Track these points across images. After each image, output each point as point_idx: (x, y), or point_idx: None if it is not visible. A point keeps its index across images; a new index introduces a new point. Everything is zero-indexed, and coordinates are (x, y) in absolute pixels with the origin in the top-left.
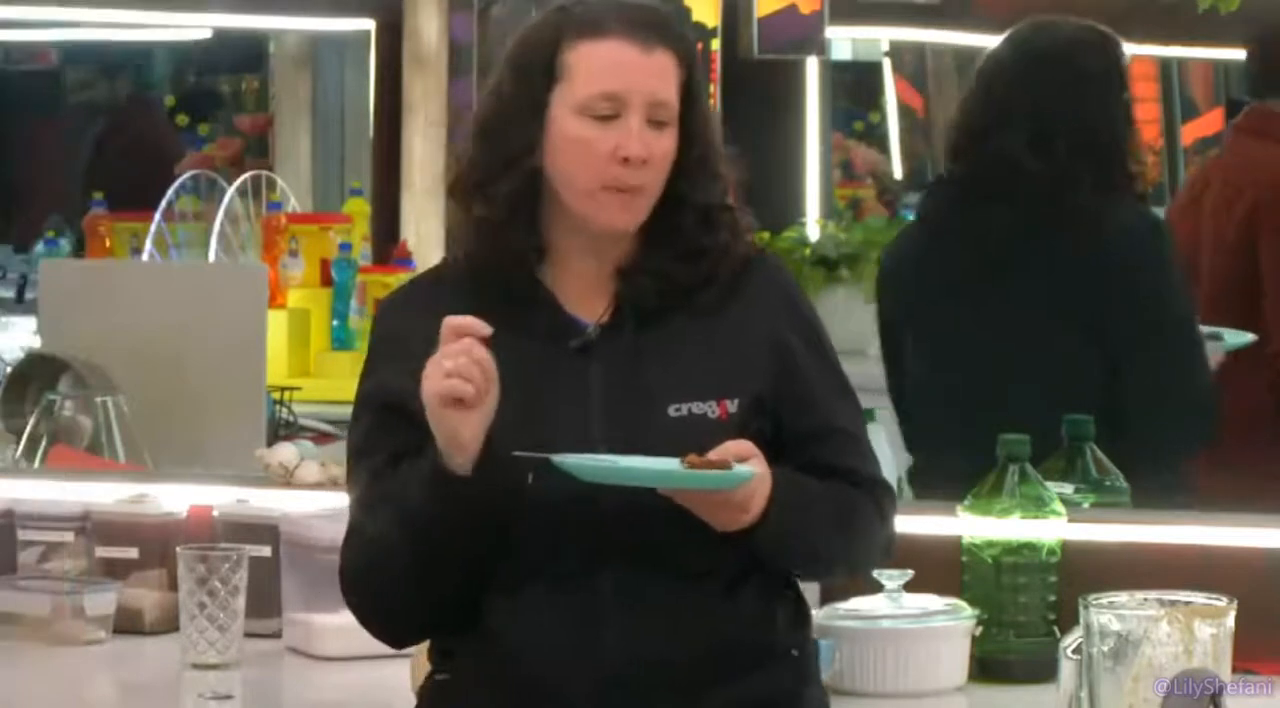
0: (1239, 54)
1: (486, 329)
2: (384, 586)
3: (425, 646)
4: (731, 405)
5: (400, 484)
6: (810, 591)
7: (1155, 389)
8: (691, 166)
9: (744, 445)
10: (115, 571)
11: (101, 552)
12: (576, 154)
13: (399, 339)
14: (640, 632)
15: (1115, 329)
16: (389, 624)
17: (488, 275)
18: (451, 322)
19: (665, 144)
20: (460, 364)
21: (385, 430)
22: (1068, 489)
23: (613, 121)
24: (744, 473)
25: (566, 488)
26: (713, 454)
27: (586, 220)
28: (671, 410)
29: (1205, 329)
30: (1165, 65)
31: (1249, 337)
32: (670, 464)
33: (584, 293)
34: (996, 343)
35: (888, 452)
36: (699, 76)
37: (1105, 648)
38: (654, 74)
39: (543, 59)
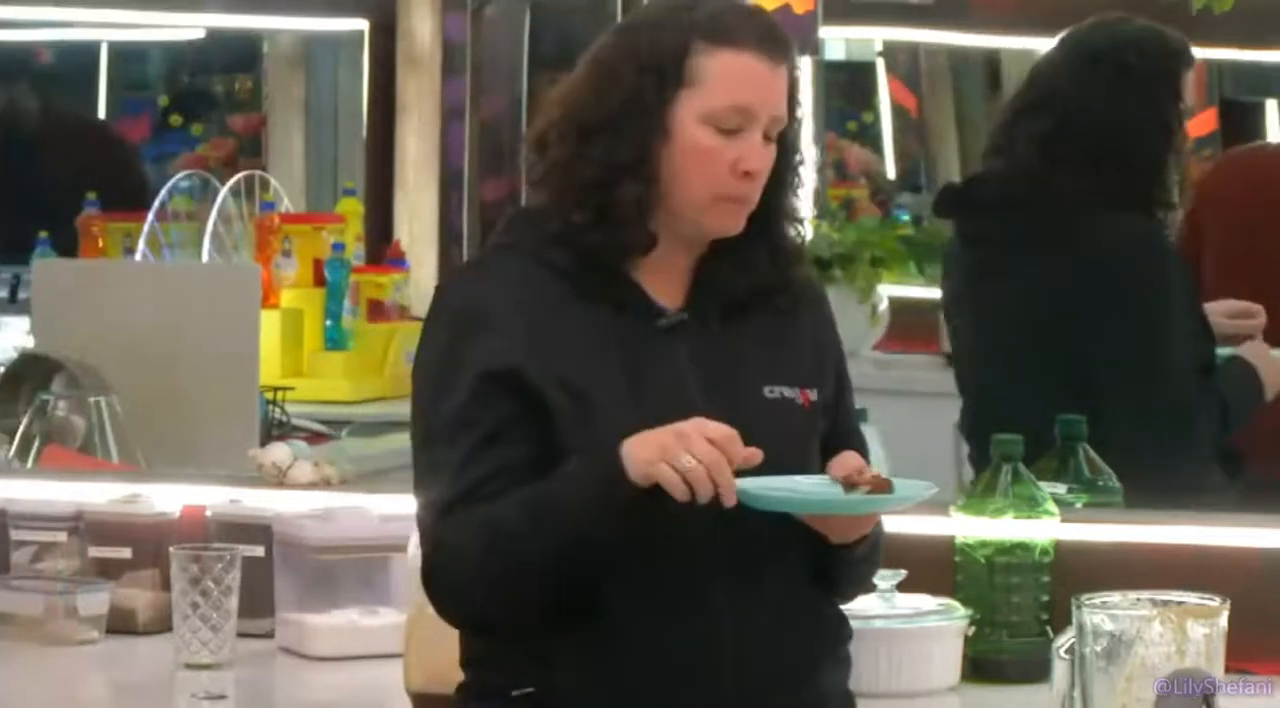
0: (1233, 54)
1: (758, 458)
2: (505, 579)
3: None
4: (813, 394)
5: (565, 495)
6: None
7: (1125, 415)
8: (788, 175)
9: (855, 456)
10: (108, 571)
11: (94, 552)
12: (698, 162)
13: (482, 310)
14: (750, 635)
15: (1097, 347)
16: (492, 613)
17: (584, 262)
18: (726, 436)
19: (773, 156)
20: (695, 475)
21: (485, 402)
22: (1061, 489)
23: (735, 134)
24: (926, 488)
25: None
26: (838, 469)
27: (695, 224)
28: (766, 391)
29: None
30: None
31: None
32: (830, 489)
33: (664, 281)
34: (994, 346)
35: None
36: (799, 87)
37: (1098, 648)
38: (778, 91)
39: (671, 60)
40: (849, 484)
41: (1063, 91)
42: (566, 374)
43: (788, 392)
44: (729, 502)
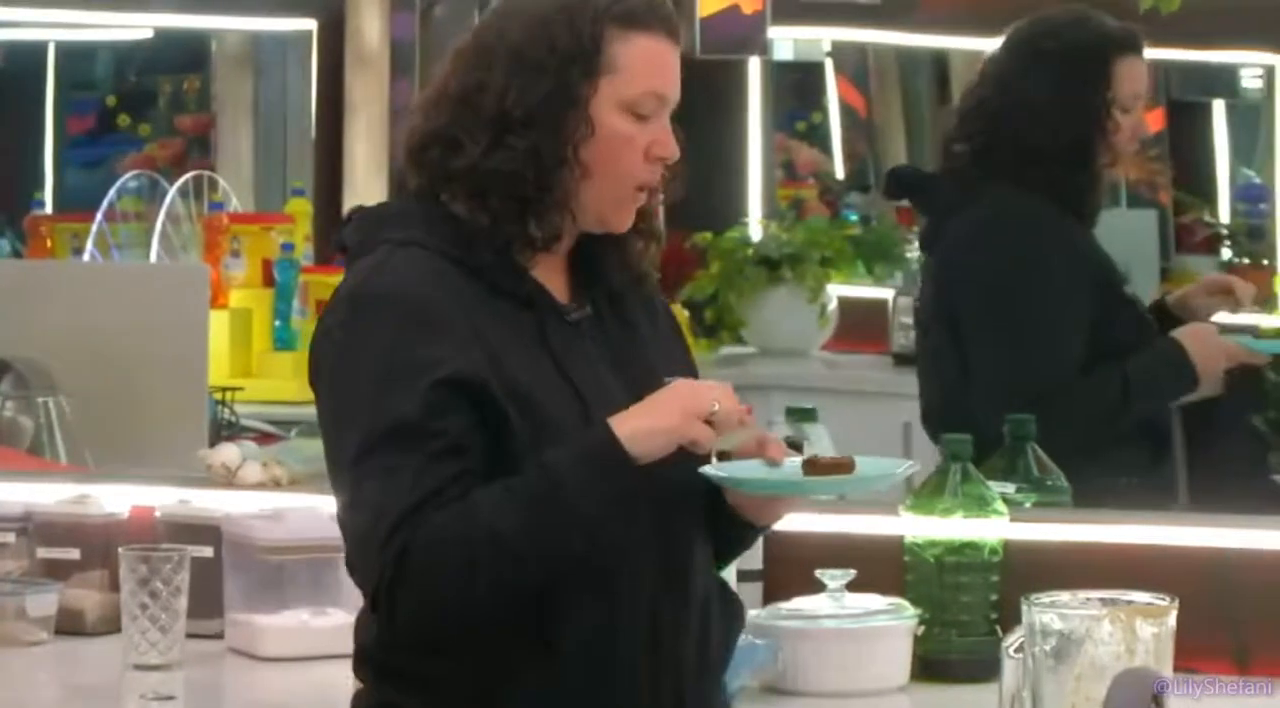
0: (1181, 55)
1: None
2: (491, 590)
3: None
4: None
5: (561, 489)
6: (752, 590)
7: (985, 381)
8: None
9: (772, 437)
10: (57, 571)
11: (43, 553)
12: (617, 152)
13: (421, 308)
14: (688, 617)
15: (965, 328)
16: (462, 624)
17: (494, 259)
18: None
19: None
20: (724, 412)
21: (445, 411)
22: (1009, 489)
23: (647, 120)
24: (908, 466)
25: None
26: (775, 450)
27: (600, 216)
28: (665, 380)
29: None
30: None
31: None
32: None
33: (549, 276)
34: (944, 346)
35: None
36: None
37: (1047, 647)
38: (678, 73)
39: (590, 47)
40: (811, 466)
41: (984, 80)
42: (511, 376)
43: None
44: (748, 417)
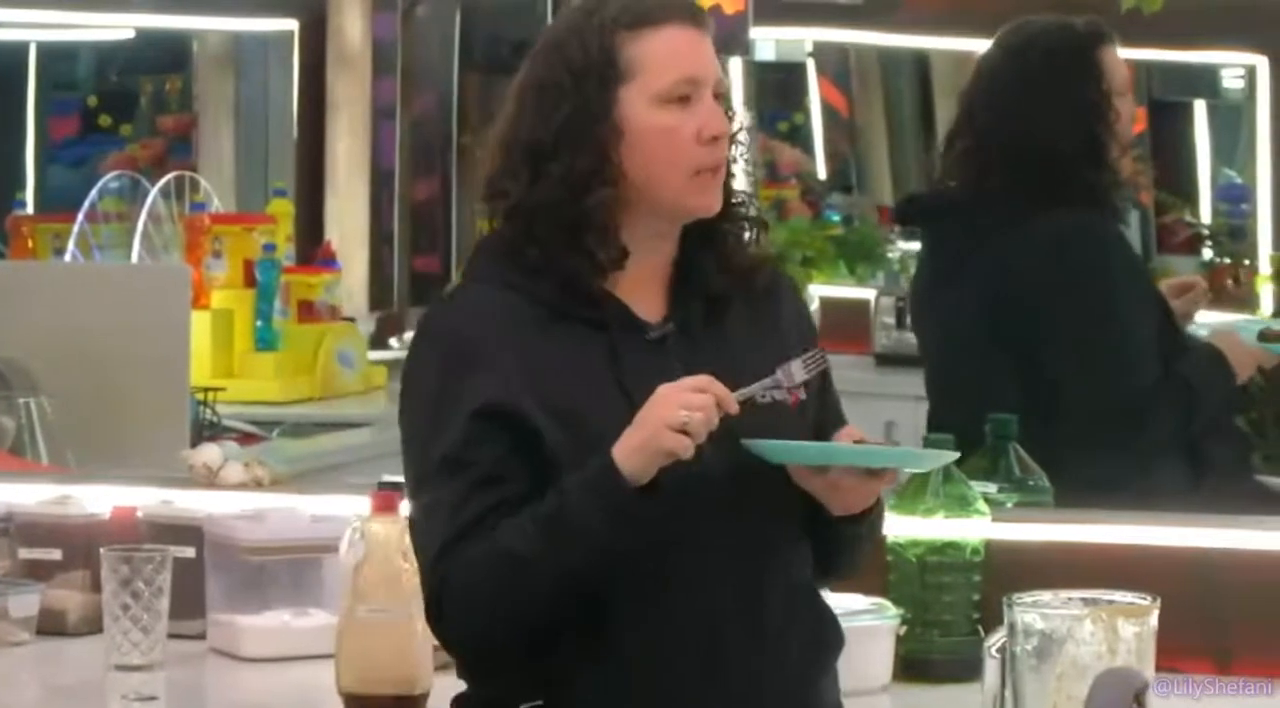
0: (1162, 55)
1: (734, 408)
2: (520, 608)
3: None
4: (801, 394)
5: (568, 508)
6: None
7: (1078, 400)
8: (732, 148)
9: (855, 430)
10: (38, 572)
11: (25, 553)
12: (663, 144)
13: (469, 344)
14: (758, 638)
15: (1039, 342)
16: (508, 640)
17: (562, 286)
18: (704, 383)
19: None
20: (696, 422)
21: (479, 441)
22: (991, 489)
23: (688, 105)
24: (951, 451)
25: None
26: (843, 439)
27: (677, 210)
28: (758, 395)
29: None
30: None
31: None
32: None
33: (640, 294)
34: (953, 351)
35: None
36: (718, 58)
37: (1029, 647)
38: (709, 53)
39: (603, 60)
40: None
41: (985, 88)
42: (561, 402)
43: (778, 394)
44: (733, 408)
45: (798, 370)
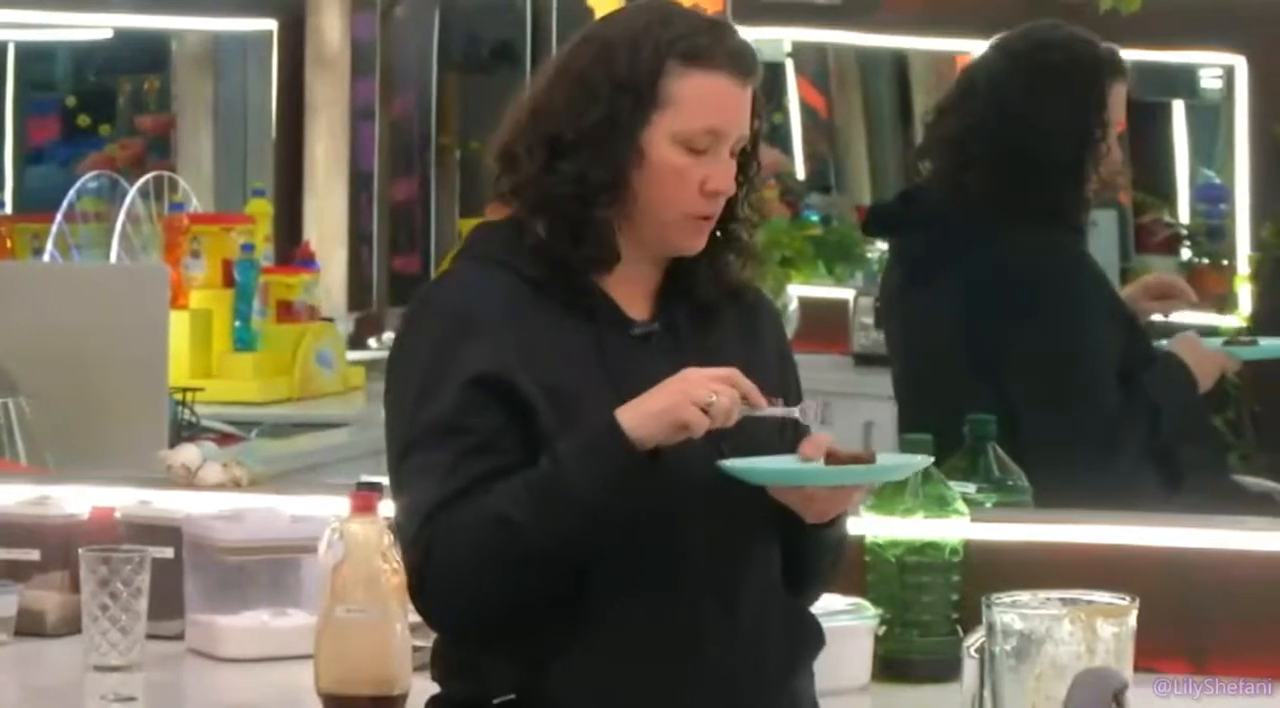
0: (1140, 55)
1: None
2: (507, 578)
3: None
4: (780, 403)
5: (564, 473)
6: None
7: (1046, 434)
8: (746, 184)
9: (825, 437)
10: (17, 573)
11: (3, 554)
12: (668, 182)
13: (470, 315)
14: (733, 641)
15: (1007, 362)
16: (491, 613)
17: (556, 273)
18: (731, 375)
19: (734, 173)
20: (720, 406)
21: (477, 411)
22: (970, 489)
23: (704, 153)
24: (925, 456)
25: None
26: (810, 448)
27: (661, 241)
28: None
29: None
30: None
31: None
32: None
33: (631, 293)
34: (921, 357)
35: None
36: (761, 101)
37: (1008, 647)
38: (745, 111)
39: (647, 81)
40: (832, 458)
41: (981, 91)
42: (555, 382)
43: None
44: (759, 404)
45: (812, 413)
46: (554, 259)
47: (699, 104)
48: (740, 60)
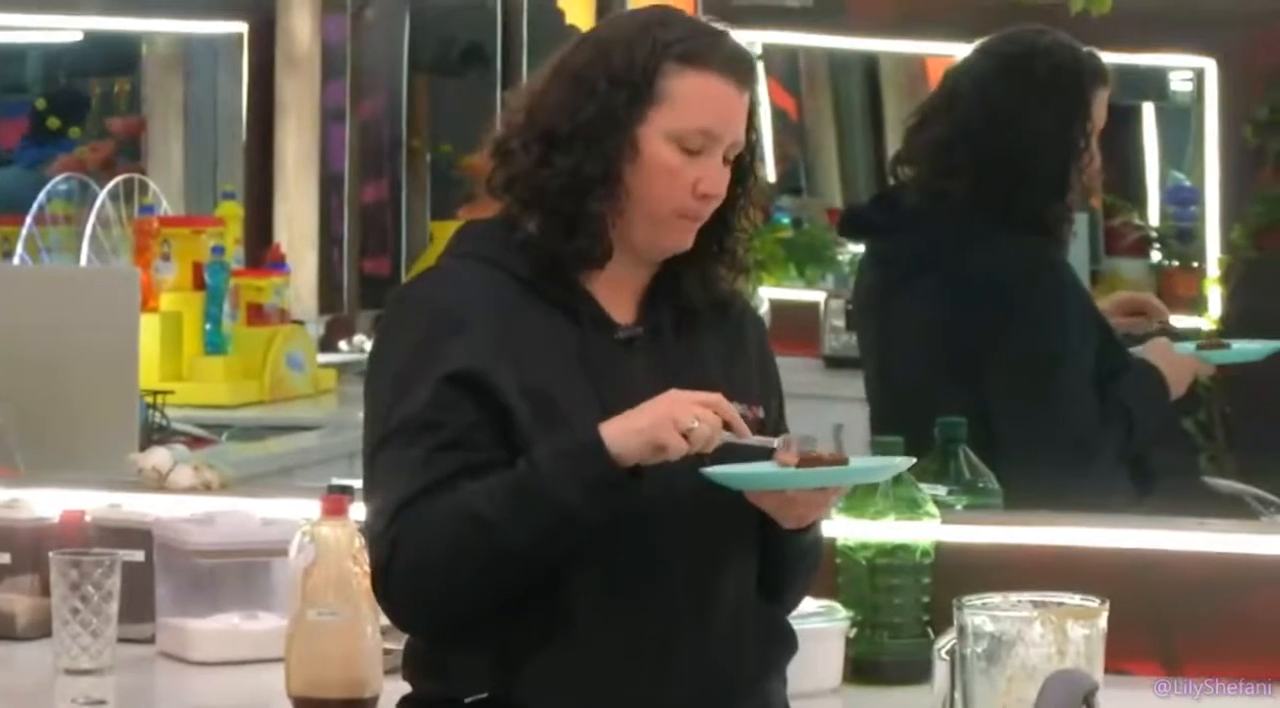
0: (1111, 57)
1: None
2: (473, 577)
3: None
4: (760, 412)
5: (542, 477)
6: None
7: (1022, 443)
8: (743, 196)
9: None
10: None
11: None
12: (659, 180)
13: (450, 313)
14: (707, 643)
15: (985, 368)
16: (452, 611)
17: (543, 270)
18: (716, 401)
19: (727, 178)
20: (701, 433)
21: (452, 407)
22: (941, 491)
23: (697, 154)
24: (904, 458)
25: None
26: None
27: (650, 238)
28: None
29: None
30: None
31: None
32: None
33: (616, 295)
34: (895, 363)
35: None
36: (758, 111)
37: (979, 649)
38: (740, 115)
39: (643, 78)
40: (807, 461)
41: (966, 97)
42: (535, 382)
43: (739, 407)
44: (743, 430)
45: (794, 447)
46: (544, 256)
47: (694, 103)
48: (737, 65)
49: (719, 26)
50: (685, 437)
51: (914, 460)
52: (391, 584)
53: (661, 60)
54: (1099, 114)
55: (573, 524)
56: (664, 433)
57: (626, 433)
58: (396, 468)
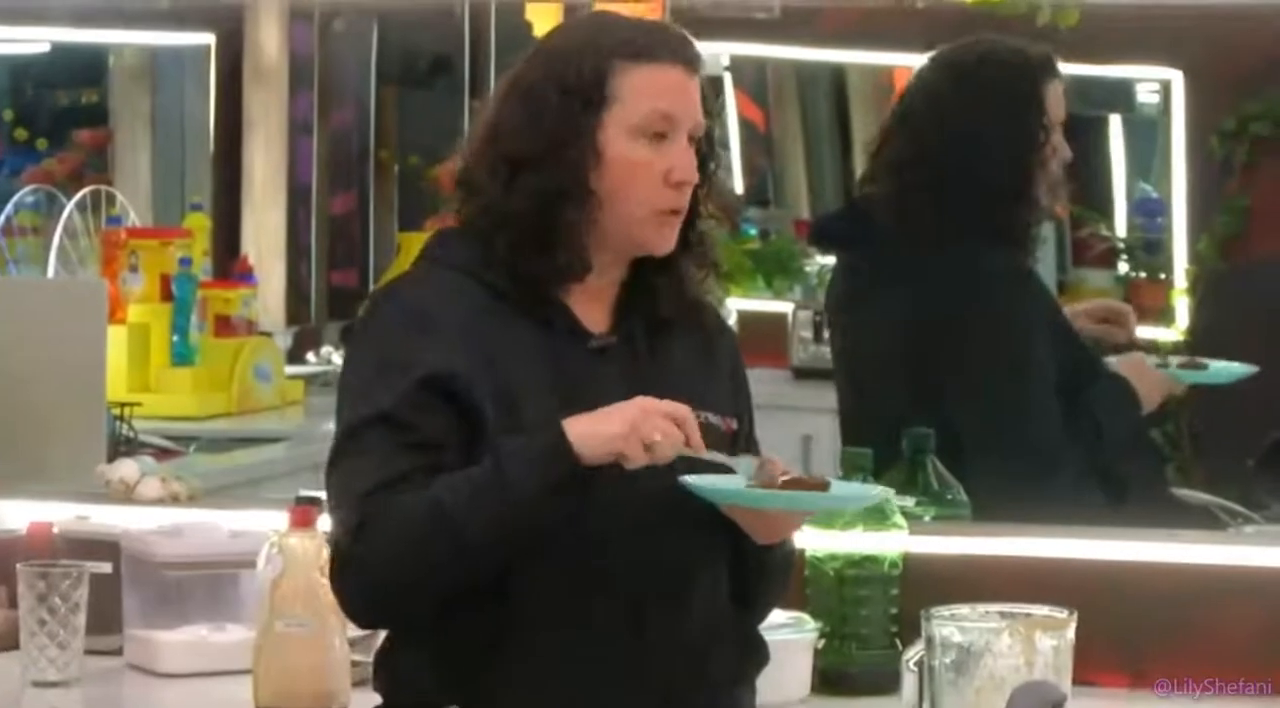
0: (1078, 69)
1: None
2: (429, 566)
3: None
4: (734, 424)
5: (503, 469)
6: None
7: (987, 456)
8: (706, 182)
9: (779, 462)
10: None
11: None
12: (631, 177)
13: (425, 315)
14: (677, 654)
15: (950, 379)
16: (405, 602)
17: (516, 281)
18: (683, 416)
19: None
20: (662, 447)
21: (425, 410)
22: (909, 502)
23: (662, 143)
24: (881, 491)
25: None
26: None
27: (632, 241)
28: (695, 415)
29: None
30: None
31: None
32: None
33: (589, 305)
34: (863, 375)
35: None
36: (710, 99)
37: (947, 660)
38: (695, 97)
39: (594, 83)
40: (790, 484)
41: (919, 113)
42: (508, 390)
43: (712, 417)
44: (698, 448)
45: (754, 471)
46: (519, 269)
47: (645, 92)
48: (682, 50)
49: (659, 21)
50: (647, 450)
51: (892, 492)
52: (348, 574)
53: (608, 63)
54: (1054, 107)
55: (528, 517)
56: (626, 444)
57: (593, 435)
58: (365, 458)
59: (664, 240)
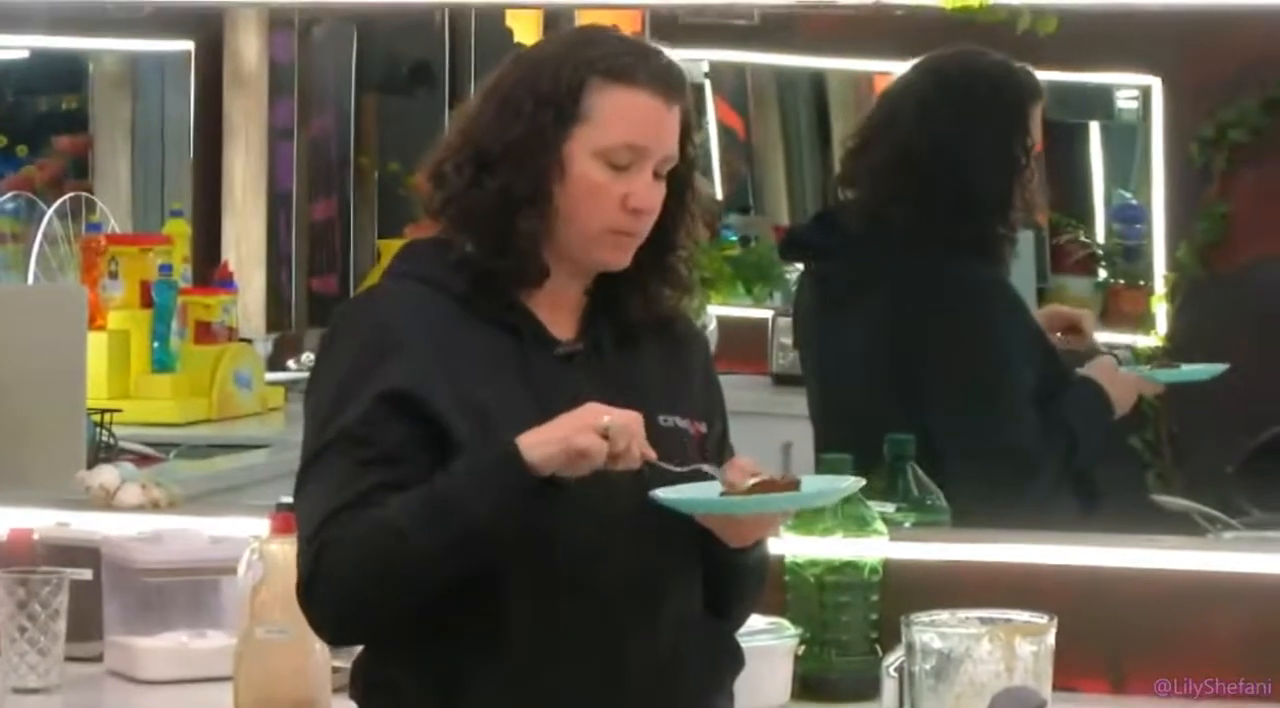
0: (1057, 76)
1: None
2: (388, 586)
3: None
4: (702, 428)
5: (456, 487)
6: None
7: (965, 466)
8: (680, 210)
9: (750, 462)
10: None
11: None
12: (588, 196)
13: (388, 331)
14: (655, 656)
15: (926, 387)
16: (372, 620)
17: (481, 288)
18: (633, 418)
19: (662, 194)
20: (617, 429)
21: (383, 424)
22: (889, 508)
23: (625, 170)
24: (851, 482)
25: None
26: (735, 473)
27: (585, 256)
28: (661, 420)
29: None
30: None
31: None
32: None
33: (556, 311)
34: (837, 382)
35: None
36: (693, 127)
37: (927, 666)
38: (670, 130)
39: (568, 96)
40: (759, 486)
41: (907, 121)
42: (475, 400)
43: (680, 422)
44: (650, 454)
45: (715, 475)
46: (482, 274)
47: (618, 119)
48: (664, 79)
49: (652, 45)
50: (603, 436)
51: (864, 482)
52: (314, 595)
53: (586, 78)
54: (1035, 129)
55: (482, 534)
56: (579, 437)
57: (544, 442)
58: (326, 481)
59: (618, 259)
